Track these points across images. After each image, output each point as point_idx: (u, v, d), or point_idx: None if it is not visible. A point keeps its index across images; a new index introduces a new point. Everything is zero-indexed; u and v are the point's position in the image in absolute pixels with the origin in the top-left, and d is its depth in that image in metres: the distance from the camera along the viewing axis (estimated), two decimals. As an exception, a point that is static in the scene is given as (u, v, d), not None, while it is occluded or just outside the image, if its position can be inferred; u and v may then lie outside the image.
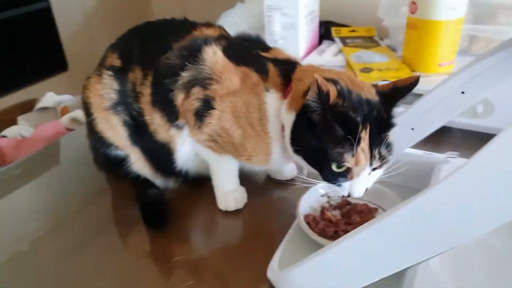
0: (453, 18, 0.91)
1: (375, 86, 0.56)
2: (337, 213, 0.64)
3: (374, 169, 0.54)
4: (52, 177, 0.83)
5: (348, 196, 0.55)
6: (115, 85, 0.68)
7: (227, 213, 0.69)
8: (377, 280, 0.44)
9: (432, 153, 0.68)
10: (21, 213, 0.73)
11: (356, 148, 0.51)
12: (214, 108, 0.61)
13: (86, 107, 0.72)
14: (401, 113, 0.65)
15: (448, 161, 0.66)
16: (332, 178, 0.54)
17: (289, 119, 0.57)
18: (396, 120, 0.65)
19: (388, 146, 0.54)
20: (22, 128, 1.04)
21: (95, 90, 0.69)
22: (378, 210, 0.63)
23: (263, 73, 0.61)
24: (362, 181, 0.54)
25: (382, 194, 0.63)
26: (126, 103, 0.68)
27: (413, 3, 0.93)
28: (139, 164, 0.73)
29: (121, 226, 0.70)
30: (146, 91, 0.66)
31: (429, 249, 0.40)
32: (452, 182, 0.37)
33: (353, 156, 0.51)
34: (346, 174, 0.53)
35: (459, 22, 0.92)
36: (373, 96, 0.54)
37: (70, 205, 0.75)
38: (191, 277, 0.57)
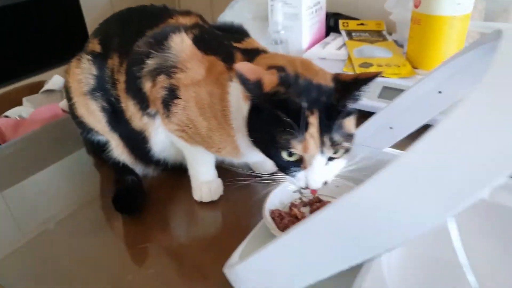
0: (458, 14, 0.86)
1: (338, 74, 0.53)
2: (306, 210, 0.62)
3: (331, 159, 0.52)
4: (43, 158, 0.85)
5: (307, 188, 0.53)
6: (93, 70, 0.69)
7: (203, 204, 0.68)
8: (318, 280, 0.42)
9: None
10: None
11: (304, 133, 0.49)
12: (179, 98, 0.60)
13: (67, 91, 0.73)
14: (379, 110, 0.63)
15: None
16: (286, 167, 0.52)
17: (244, 109, 0.55)
18: (374, 117, 0.63)
19: (344, 133, 0.51)
20: (22, 109, 1.06)
21: (74, 75, 0.70)
22: None
23: (230, 63, 0.59)
24: (317, 171, 0.51)
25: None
26: (105, 89, 0.69)
27: (417, -4, 0.89)
28: (118, 150, 0.73)
29: (102, 210, 0.70)
30: (122, 78, 0.66)
31: (367, 248, 0.37)
32: (384, 176, 0.35)
33: (300, 142, 0.49)
34: (299, 163, 0.51)
35: (465, 18, 0.87)
36: (327, 82, 0.52)
37: (55, 187, 0.77)
38: (157, 264, 0.58)
